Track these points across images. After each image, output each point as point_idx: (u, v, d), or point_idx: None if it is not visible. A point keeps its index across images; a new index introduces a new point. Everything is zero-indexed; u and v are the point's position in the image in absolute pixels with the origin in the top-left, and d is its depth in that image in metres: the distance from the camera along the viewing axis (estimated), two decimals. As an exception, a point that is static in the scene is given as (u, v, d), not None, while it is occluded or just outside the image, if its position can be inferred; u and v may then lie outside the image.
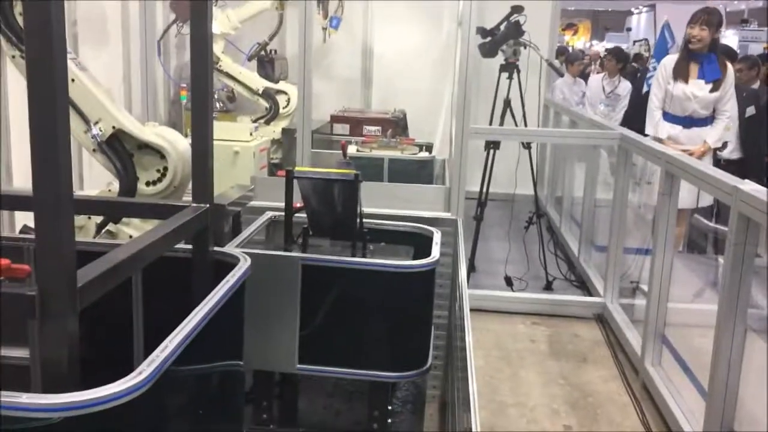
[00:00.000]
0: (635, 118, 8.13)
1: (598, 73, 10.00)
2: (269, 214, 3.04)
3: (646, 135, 4.79)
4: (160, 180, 3.08)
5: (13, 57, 2.91)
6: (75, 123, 2.89)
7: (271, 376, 2.66)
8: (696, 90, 4.65)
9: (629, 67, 11.52)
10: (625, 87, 7.98)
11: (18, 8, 2.81)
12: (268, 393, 2.67)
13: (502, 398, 3.50)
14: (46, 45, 1.25)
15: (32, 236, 2.31)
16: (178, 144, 3.09)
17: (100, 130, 2.94)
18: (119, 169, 3.01)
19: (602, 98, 7.82)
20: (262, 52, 6.46)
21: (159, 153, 3.06)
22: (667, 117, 4.76)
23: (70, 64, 2.86)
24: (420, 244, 2.82)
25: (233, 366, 2.14)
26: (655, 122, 4.76)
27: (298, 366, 2.53)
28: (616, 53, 8.37)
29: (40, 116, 1.27)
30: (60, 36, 1.26)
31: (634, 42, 16.87)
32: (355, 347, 2.55)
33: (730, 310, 2.65)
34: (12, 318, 1.50)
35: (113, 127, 2.97)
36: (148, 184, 3.09)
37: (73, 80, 2.87)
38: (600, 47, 22.49)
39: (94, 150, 2.99)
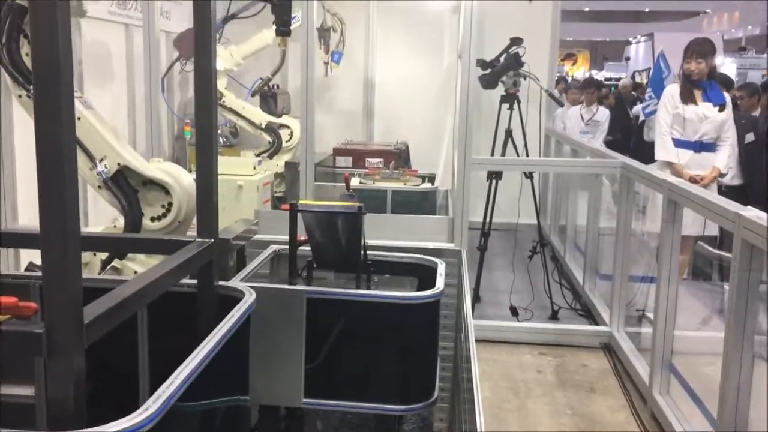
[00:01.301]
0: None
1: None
2: (273, 247, 3.05)
3: (654, 160, 4.84)
4: (164, 215, 3.10)
5: (20, 96, 2.95)
6: (80, 160, 2.92)
7: (277, 410, 2.65)
8: (707, 111, 4.73)
9: (630, 96, 11.65)
10: (603, 114, 8.32)
11: (25, 48, 2.86)
12: (274, 428, 2.65)
13: (509, 430, 3.46)
14: (54, 85, 1.27)
15: (38, 273, 2.32)
16: (182, 179, 3.12)
17: (106, 167, 2.97)
18: (124, 205, 3.03)
19: (582, 127, 8.02)
20: (265, 87, 6.54)
21: (164, 189, 3.09)
22: (678, 143, 4.80)
23: (76, 103, 2.89)
24: (424, 275, 2.82)
25: (239, 401, 2.13)
26: (666, 146, 4.79)
27: (304, 400, 2.52)
28: (592, 84, 8.82)
29: (48, 154, 1.29)
30: (67, 76, 1.29)
31: (634, 72, 17.01)
32: (360, 380, 2.54)
33: (737, 338, 2.64)
34: (17, 356, 1.50)
35: (118, 164, 3.00)
36: (152, 219, 3.11)
37: (79, 118, 2.91)
38: (600, 77, 22.71)
39: (99, 186, 3.01)
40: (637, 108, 10.25)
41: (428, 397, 2.59)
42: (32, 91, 1.31)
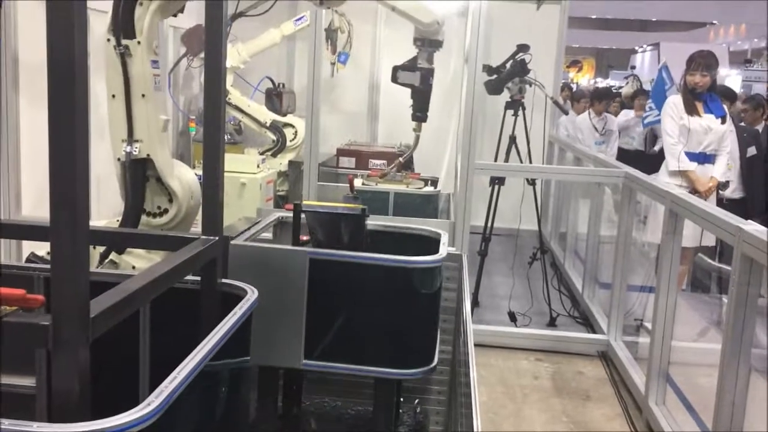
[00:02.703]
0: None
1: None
2: (277, 214, 3.04)
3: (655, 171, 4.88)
4: (154, 216, 3.10)
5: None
6: (121, 128, 2.91)
7: (276, 371, 2.63)
8: (711, 123, 4.78)
9: (632, 104, 11.64)
10: (613, 121, 8.37)
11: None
12: (273, 388, 2.64)
13: (505, 435, 3.48)
14: (69, 73, 1.26)
15: (41, 265, 2.33)
16: (191, 190, 3.09)
17: (136, 150, 2.95)
18: (128, 190, 3.01)
19: (597, 137, 8.00)
20: (271, 86, 6.56)
21: (170, 195, 3.08)
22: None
23: (149, 82, 2.91)
24: (428, 251, 2.79)
25: (239, 395, 2.15)
26: (677, 156, 4.81)
27: (304, 361, 2.48)
28: (605, 94, 8.85)
29: (61, 149, 1.29)
30: (82, 66, 1.28)
31: (625, 78, 16.95)
32: (361, 343, 2.50)
33: (733, 350, 2.65)
34: (17, 346, 1.51)
35: (147, 155, 2.98)
36: (145, 212, 3.10)
37: (143, 95, 2.90)
38: (604, 84, 22.72)
39: (118, 159, 2.99)
40: None
41: (428, 363, 2.56)
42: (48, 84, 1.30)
